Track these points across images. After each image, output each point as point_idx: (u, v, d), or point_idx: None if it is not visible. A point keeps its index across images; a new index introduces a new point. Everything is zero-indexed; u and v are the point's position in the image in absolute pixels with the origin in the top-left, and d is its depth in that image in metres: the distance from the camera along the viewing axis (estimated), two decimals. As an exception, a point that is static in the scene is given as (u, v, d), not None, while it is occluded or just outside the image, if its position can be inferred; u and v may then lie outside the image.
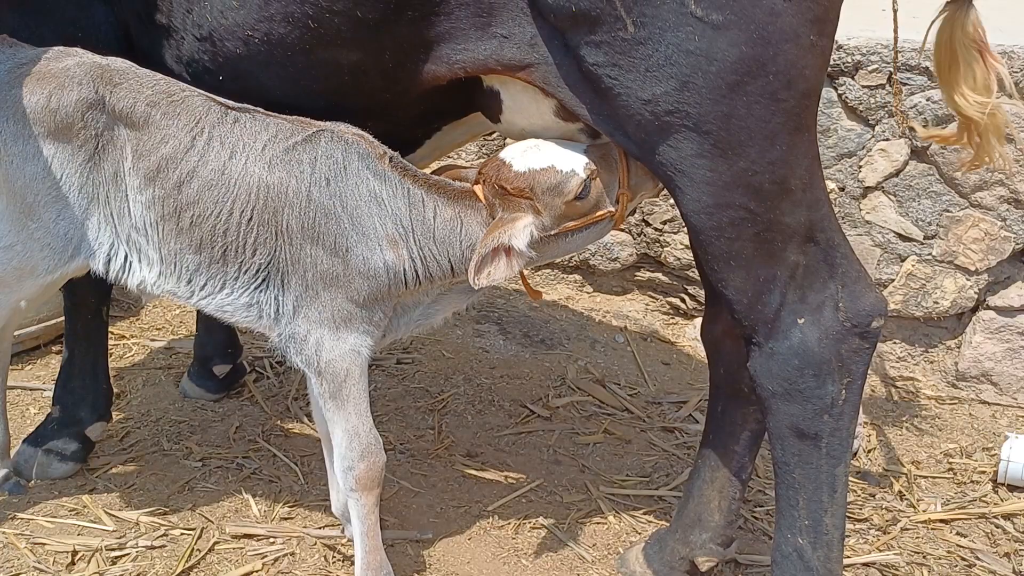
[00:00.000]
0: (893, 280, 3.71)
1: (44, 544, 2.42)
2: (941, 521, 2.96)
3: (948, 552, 2.80)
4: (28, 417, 3.13)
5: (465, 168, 2.34)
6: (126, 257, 2.19)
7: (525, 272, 2.33)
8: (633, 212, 3.83)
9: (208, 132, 2.10)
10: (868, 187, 3.66)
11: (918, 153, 3.58)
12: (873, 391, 3.81)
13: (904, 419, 3.64)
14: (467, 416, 3.37)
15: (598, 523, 2.79)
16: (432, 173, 2.28)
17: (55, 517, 2.55)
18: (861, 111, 3.58)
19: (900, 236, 3.67)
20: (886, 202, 3.65)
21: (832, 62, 3.53)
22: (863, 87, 3.55)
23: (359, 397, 2.15)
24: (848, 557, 2.71)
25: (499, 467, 3.04)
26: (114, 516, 2.56)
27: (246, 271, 2.14)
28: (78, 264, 2.19)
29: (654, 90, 1.84)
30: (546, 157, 2.09)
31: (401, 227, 2.12)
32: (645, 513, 2.86)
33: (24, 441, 2.77)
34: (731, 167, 1.88)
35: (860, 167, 3.64)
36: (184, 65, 2.25)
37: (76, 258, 2.18)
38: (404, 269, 2.13)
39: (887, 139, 3.58)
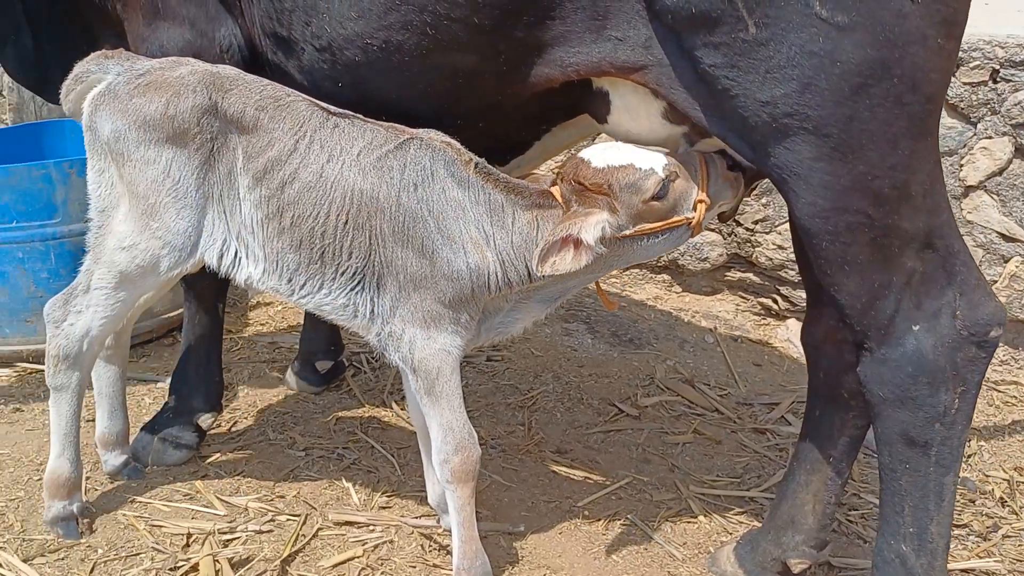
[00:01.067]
0: (996, 281, 3.61)
1: (161, 527, 2.56)
2: (1045, 529, 2.88)
3: (1053, 562, 2.72)
4: (144, 407, 3.32)
5: (546, 176, 2.37)
6: (236, 253, 2.30)
7: (601, 283, 2.36)
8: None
9: (309, 136, 2.20)
10: (970, 186, 3.57)
11: (1022, 151, 3.47)
12: (973, 395, 3.71)
13: (1007, 424, 3.53)
14: (556, 413, 3.42)
15: (688, 522, 2.80)
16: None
17: (171, 501, 2.69)
18: (962, 108, 3.50)
19: (1003, 236, 3.57)
20: (988, 201, 3.56)
21: (932, 58, 3.46)
22: (964, 84, 3.47)
23: (452, 393, 2.22)
24: (947, 563, 2.66)
25: (588, 464, 3.07)
26: (225, 501, 2.69)
27: (343, 273, 2.22)
28: (195, 260, 2.31)
29: (774, 92, 1.83)
30: (626, 155, 2.10)
31: (483, 232, 2.17)
32: (736, 514, 2.86)
33: (142, 429, 2.93)
34: (850, 171, 1.85)
35: (961, 166, 3.56)
36: (305, 74, 2.36)
37: (194, 255, 2.31)
38: (487, 273, 2.18)
39: (989, 137, 3.48)
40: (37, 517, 2.57)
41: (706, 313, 4.27)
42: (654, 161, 2.09)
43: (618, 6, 1.98)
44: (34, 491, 2.71)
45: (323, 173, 2.18)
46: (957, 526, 2.88)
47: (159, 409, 3.02)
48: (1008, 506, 3.00)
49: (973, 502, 3.03)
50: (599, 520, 2.76)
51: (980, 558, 2.71)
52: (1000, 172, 3.50)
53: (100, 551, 2.45)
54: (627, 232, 2.12)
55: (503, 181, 2.22)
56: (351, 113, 2.27)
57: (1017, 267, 3.57)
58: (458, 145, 2.24)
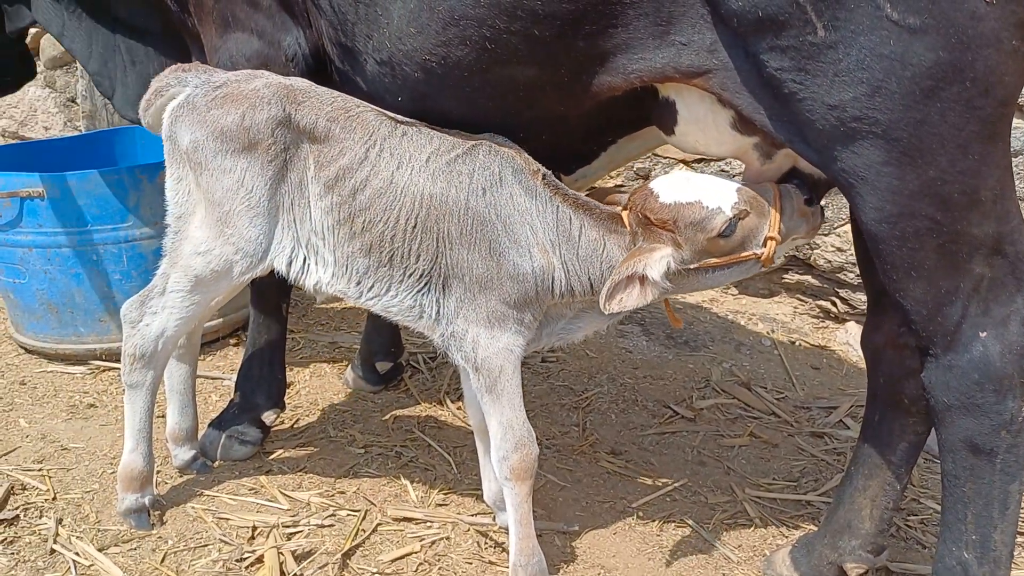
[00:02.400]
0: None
1: (228, 519, 2.65)
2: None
3: None
4: (211, 404, 3.43)
5: (622, 193, 2.39)
6: (304, 259, 2.37)
7: (669, 300, 2.37)
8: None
9: (379, 144, 2.26)
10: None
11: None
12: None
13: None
14: (611, 415, 3.44)
15: (743, 525, 2.79)
16: (587, 194, 2.35)
17: (236, 495, 2.78)
18: (1030, 107, 3.41)
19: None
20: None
21: None
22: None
23: (513, 392, 2.26)
24: (1012, 571, 2.62)
25: (643, 466, 3.08)
26: (288, 496, 2.78)
27: (410, 275, 2.28)
28: (266, 265, 2.39)
29: (842, 95, 1.81)
30: (694, 191, 2.11)
31: (549, 240, 2.21)
32: (792, 518, 2.84)
33: (209, 425, 3.04)
34: (919, 176, 1.82)
35: (1029, 168, 3.48)
36: (369, 85, 2.41)
37: (264, 260, 2.38)
38: (552, 277, 2.22)
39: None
40: (111, 509, 2.67)
41: (763, 316, 4.24)
42: (723, 199, 2.09)
43: (682, 11, 1.97)
44: (108, 484, 2.82)
45: (393, 179, 2.24)
46: (1021, 534, 2.83)
47: (225, 406, 3.12)
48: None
49: None
50: (653, 521, 2.77)
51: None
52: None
53: (170, 542, 2.54)
54: (692, 266, 2.14)
55: (572, 196, 2.26)
56: (418, 122, 2.33)
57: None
58: (526, 155, 2.28)
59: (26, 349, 3.81)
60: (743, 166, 2.34)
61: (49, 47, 5.31)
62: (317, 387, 3.61)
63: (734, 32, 1.93)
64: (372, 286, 2.33)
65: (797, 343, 4.06)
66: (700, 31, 1.98)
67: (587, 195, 2.32)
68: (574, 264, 2.23)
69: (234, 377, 3.37)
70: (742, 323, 4.20)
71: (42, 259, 3.49)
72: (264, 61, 2.58)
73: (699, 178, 2.18)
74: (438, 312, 2.30)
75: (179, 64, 2.47)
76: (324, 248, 2.34)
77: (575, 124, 2.36)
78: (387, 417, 3.35)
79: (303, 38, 2.57)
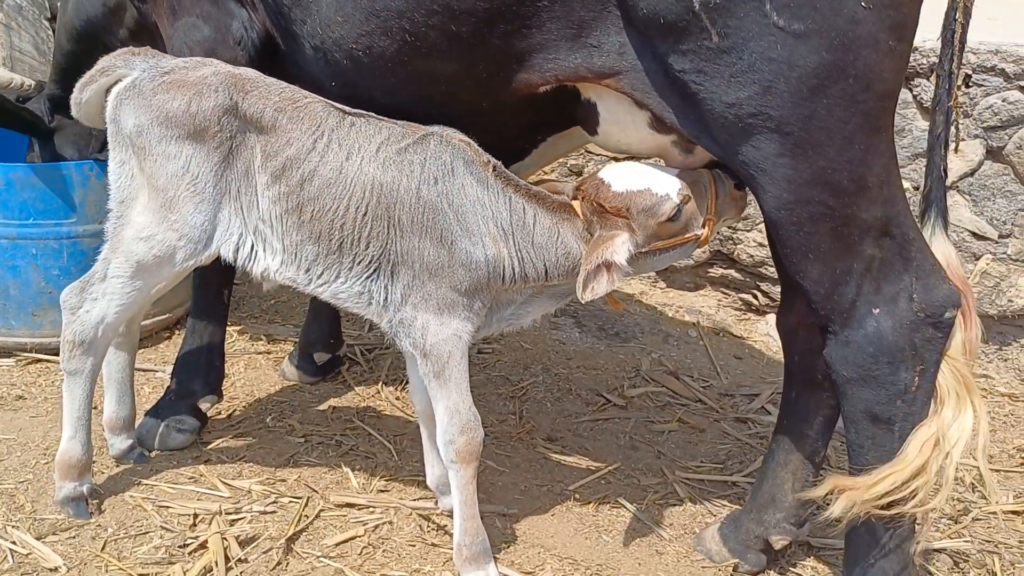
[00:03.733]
0: (967, 279, 3.76)
1: (168, 507, 2.65)
2: (1012, 512, 3.02)
3: (1020, 542, 2.86)
4: (143, 395, 3.38)
5: (560, 183, 2.49)
6: (252, 247, 2.39)
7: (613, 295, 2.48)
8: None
9: (328, 135, 2.30)
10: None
11: (993, 153, 3.63)
12: (945, 387, 3.86)
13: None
14: (546, 403, 3.54)
15: (674, 505, 2.92)
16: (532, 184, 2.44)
17: (176, 484, 2.78)
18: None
19: (974, 235, 3.72)
20: (961, 201, 3.71)
21: (909, 64, 3.60)
22: (938, 88, 3.61)
23: (460, 378, 2.32)
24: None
25: (578, 451, 3.19)
26: (228, 484, 2.78)
27: (360, 262, 2.33)
28: (211, 252, 2.39)
29: (738, 95, 1.95)
30: (643, 180, 2.23)
31: (502, 229, 2.29)
32: (719, 497, 2.98)
33: (146, 414, 3.02)
34: (811, 166, 1.97)
35: (935, 167, 3.70)
36: (307, 69, 2.47)
37: (209, 247, 2.39)
38: (503, 265, 2.29)
39: (963, 139, 3.63)
40: (47, 499, 2.65)
41: (689, 308, 4.40)
42: (669, 186, 2.23)
43: (593, 16, 2.09)
44: (42, 474, 2.79)
45: (342, 169, 2.28)
46: (931, 510, 3.03)
47: (162, 394, 3.11)
48: (978, 491, 3.14)
49: (944, 487, 3.17)
50: (589, 503, 2.88)
51: (951, 539, 2.85)
52: (972, 173, 3.66)
53: (110, 530, 2.53)
54: (643, 249, 2.26)
55: (523, 186, 2.34)
56: (366, 112, 2.37)
57: (987, 264, 3.73)
58: (476, 145, 2.35)
59: (-52, 341, 3.71)
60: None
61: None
62: (253, 378, 3.60)
63: (642, 36, 2.06)
64: (321, 273, 2.36)
65: (721, 334, 4.23)
66: (610, 35, 2.10)
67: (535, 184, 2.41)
68: (529, 252, 2.30)
69: (168, 369, 3.36)
70: (670, 315, 4.35)
71: (-23, 250, 3.41)
72: (213, 46, 2.61)
73: (644, 167, 2.30)
74: (386, 299, 2.35)
75: (129, 47, 2.46)
76: (272, 236, 2.37)
77: (506, 122, 2.45)
78: (326, 407, 3.38)
79: (250, 23, 2.60)
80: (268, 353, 3.83)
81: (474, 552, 2.35)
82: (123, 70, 2.39)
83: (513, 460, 3.09)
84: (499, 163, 2.36)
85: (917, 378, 2.10)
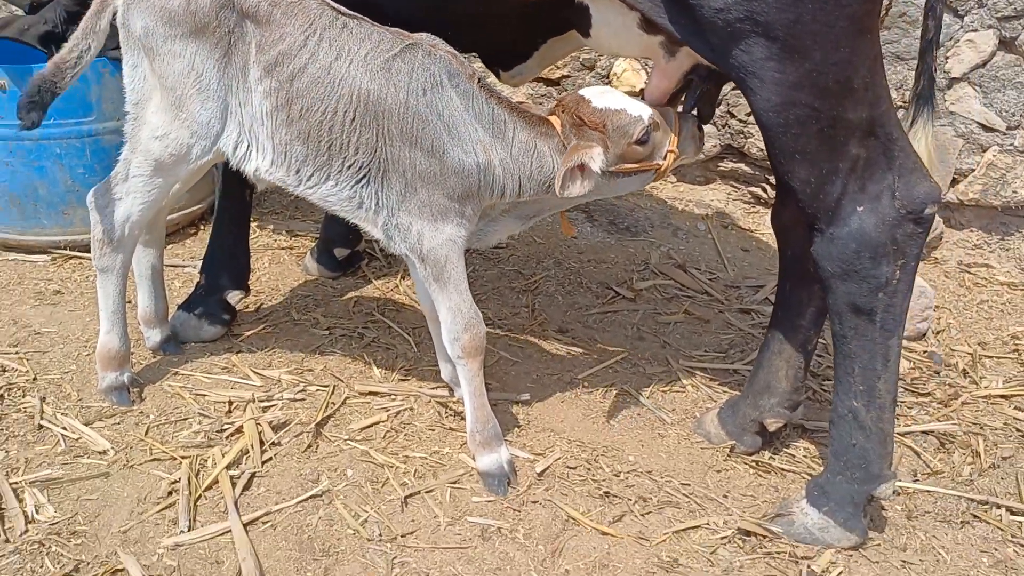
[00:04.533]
0: (973, 170, 3.81)
1: (204, 395, 2.85)
2: (1001, 396, 3.17)
3: (1004, 424, 3.02)
4: (174, 290, 3.56)
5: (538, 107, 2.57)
6: (248, 145, 2.47)
7: (566, 218, 2.63)
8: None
9: (319, 33, 2.34)
10: (954, 78, 3.73)
11: (1006, 44, 3.62)
12: (947, 276, 3.97)
13: (976, 303, 3.81)
14: (557, 296, 3.68)
15: (677, 391, 3.10)
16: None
17: (210, 373, 2.97)
18: (951, 2, 3.61)
19: (983, 127, 3.75)
20: (971, 93, 3.72)
21: (923, -47, 3.56)
22: (954, -23, 3.58)
23: (459, 279, 2.44)
24: (908, 426, 2.97)
25: (587, 342, 3.35)
26: (259, 374, 2.98)
27: (349, 167, 2.40)
28: (219, 149, 2.49)
29: (726, 1, 2.00)
30: (620, 101, 2.33)
31: (487, 139, 2.35)
32: (720, 384, 3.15)
33: (179, 307, 3.19)
34: (798, 69, 2.03)
35: (947, 58, 3.70)
36: None
37: (217, 143, 2.48)
38: (493, 172, 2.37)
39: (975, 30, 3.62)
40: (91, 388, 2.85)
41: (699, 202, 4.48)
42: (642, 111, 2.33)
43: None
44: (85, 365, 2.98)
45: (331, 69, 2.33)
46: (921, 394, 3.19)
47: (192, 289, 3.27)
48: (969, 376, 3.30)
49: (938, 373, 3.33)
50: (597, 390, 3.05)
51: (940, 422, 3.02)
52: (984, 64, 3.66)
53: (152, 416, 2.74)
54: (611, 168, 2.35)
55: (505, 100, 2.40)
56: (359, 16, 2.40)
57: (994, 156, 3.76)
58: (461, 57, 2.39)
59: (-14, 241, 3.87)
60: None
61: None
62: (277, 273, 3.76)
63: None
64: (311, 175, 2.44)
65: (729, 227, 4.32)
66: None
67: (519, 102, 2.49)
68: (507, 163, 2.37)
69: (195, 264, 3.52)
70: (680, 208, 4.44)
71: (3, 151, 3.52)
72: None
73: (619, 93, 2.38)
74: (377, 204, 2.43)
75: None
76: (263, 134, 2.43)
77: (506, 29, 2.51)
78: (347, 300, 3.54)
79: None
80: (291, 248, 3.98)
81: (486, 437, 2.53)
82: None
83: (526, 351, 3.26)
84: (483, 75, 2.41)
85: (898, 272, 2.20)
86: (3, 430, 2.64)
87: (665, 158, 2.42)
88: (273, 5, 2.35)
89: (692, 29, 2.13)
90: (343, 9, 2.40)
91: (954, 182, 3.87)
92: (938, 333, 3.58)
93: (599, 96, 2.37)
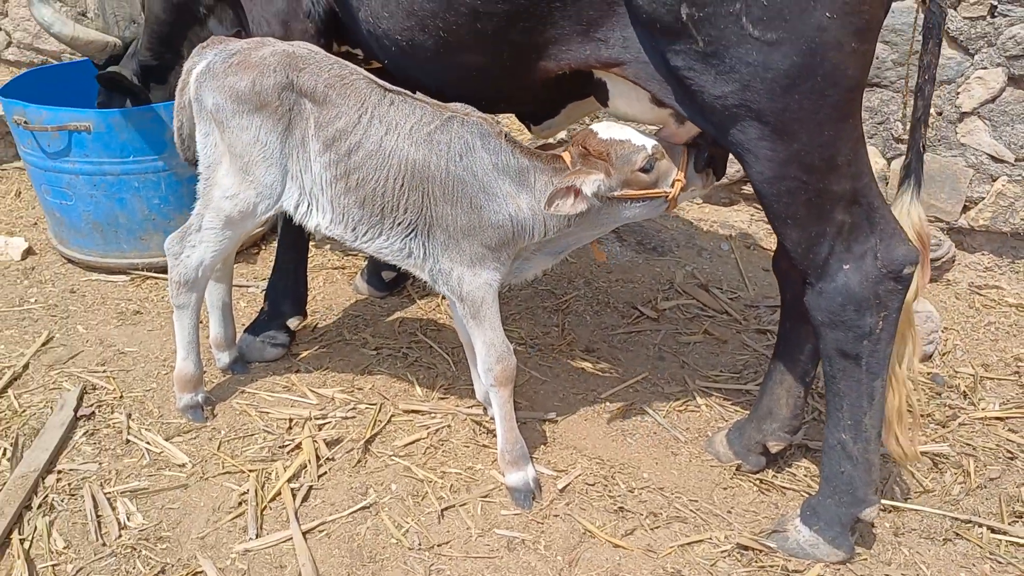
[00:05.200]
0: (983, 198, 4.01)
1: (268, 413, 3.22)
2: (996, 418, 3.39)
3: (996, 445, 3.24)
4: (240, 309, 3.95)
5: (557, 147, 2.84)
6: (308, 205, 2.81)
7: (597, 245, 2.93)
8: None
9: (371, 112, 2.67)
10: (964, 112, 3.92)
11: (1015, 80, 3.80)
12: (958, 298, 4.18)
13: (983, 325, 4.01)
14: (586, 316, 3.99)
15: (692, 411, 3.38)
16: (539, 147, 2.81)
17: (273, 392, 3.35)
18: (961, 41, 3.81)
19: (992, 158, 3.94)
20: (981, 126, 3.91)
21: (935, -6, 3.76)
22: (965, 18, 3.76)
23: (493, 317, 2.76)
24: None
25: (612, 361, 3.65)
26: (315, 392, 3.34)
27: (399, 224, 2.73)
28: (280, 207, 2.84)
29: (723, 89, 2.25)
30: (626, 133, 2.58)
31: (514, 188, 2.65)
32: (733, 404, 3.43)
33: (245, 331, 3.58)
34: (787, 148, 2.28)
35: (958, 93, 3.90)
36: (365, 46, 2.86)
37: (279, 202, 2.83)
38: (523, 219, 2.66)
39: (985, 67, 3.80)
40: (170, 404, 3.24)
41: (723, 223, 4.73)
42: (646, 142, 2.58)
43: (600, 15, 2.39)
44: (164, 383, 3.38)
45: (382, 144, 2.66)
46: (921, 415, 3.43)
47: (257, 314, 3.66)
48: (969, 399, 3.52)
49: (939, 395, 3.55)
50: (618, 409, 3.35)
51: (935, 443, 3.26)
52: (993, 100, 3.84)
53: (223, 432, 3.12)
54: (616, 193, 2.61)
55: (525, 148, 2.69)
56: (403, 91, 2.73)
57: (1003, 185, 3.95)
58: (491, 119, 2.70)
59: (71, 261, 4.30)
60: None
61: (56, -36, 5.53)
62: (331, 293, 4.13)
63: (642, 35, 2.36)
64: (366, 232, 2.77)
65: (752, 247, 4.56)
66: (615, 31, 2.40)
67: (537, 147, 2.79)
68: (533, 206, 2.66)
69: (259, 284, 3.91)
70: (704, 229, 4.69)
71: (88, 184, 3.94)
72: (286, 18, 3.01)
73: (629, 127, 2.64)
74: (424, 253, 2.76)
75: (202, 43, 2.87)
76: (323, 198, 2.77)
77: (531, 97, 2.81)
78: (394, 320, 3.89)
79: (322, 2, 2.96)
80: (343, 268, 4.35)
81: (515, 456, 2.86)
82: (198, 58, 2.79)
83: (554, 370, 3.58)
84: (507, 130, 2.70)
85: (881, 322, 2.46)
86: (97, 444, 3.05)
87: (672, 186, 2.65)
88: (328, 86, 2.68)
89: (695, 109, 2.40)
90: (388, 85, 2.72)
91: (965, 208, 4.07)
92: (944, 354, 3.80)
93: (606, 129, 2.63)
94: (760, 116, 2.25)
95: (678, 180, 2.63)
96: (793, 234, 2.43)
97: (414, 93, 2.76)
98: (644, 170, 2.59)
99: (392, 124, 2.67)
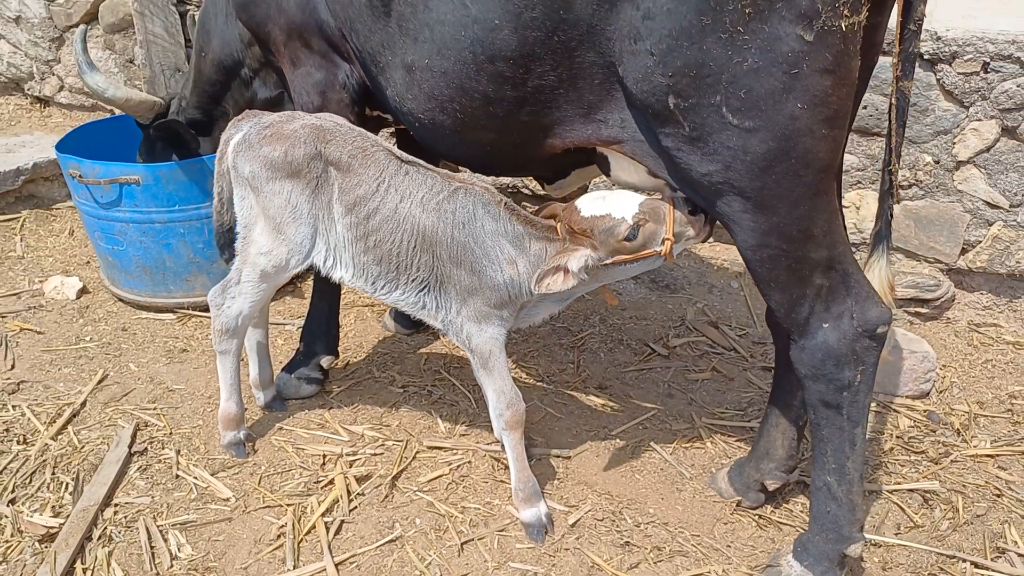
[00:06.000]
0: (980, 242, 4.19)
1: (304, 449, 3.51)
2: (987, 456, 3.57)
3: (986, 482, 3.43)
4: (277, 347, 4.25)
5: (560, 204, 3.08)
6: (334, 261, 3.10)
7: (608, 291, 3.14)
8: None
9: (388, 181, 2.95)
10: (960, 161, 4.11)
11: (1008, 131, 3.98)
12: (957, 336, 4.36)
13: (981, 362, 4.19)
14: (600, 353, 4.23)
15: (698, 448, 3.61)
16: (540, 211, 3.07)
17: (308, 429, 3.63)
18: (957, 95, 4.00)
19: (988, 204, 4.13)
20: (977, 174, 4.10)
21: (931, 51, 3.97)
22: (959, 74, 3.96)
23: (501, 367, 3.02)
24: (898, 484, 3.43)
25: (623, 398, 3.89)
26: (347, 429, 3.62)
27: (412, 280, 3.01)
28: (309, 262, 3.13)
29: (708, 168, 2.48)
30: (606, 207, 2.80)
31: (512, 254, 2.91)
32: (737, 440, 3.65)
33: (282, 370, 3.87)
34: (768, 220, 2.50)
35: (954, 143, 4.09)
36: (392, 116, 3.16)
37: (308, 258, 3.12)
38: (519, 283, 2.92)
39: (979, 119, 4.00)
40: (215, 441, 3.54)
41: (733, 261, 4.94)
42: (627, 212, 2.78)
43: (599, 100, 2.64)
44: (209, 419, 3.68)
45: (397, 210, 2.94)
46: (915, 452, 3.62)
47: (293, 354, 3.95)
48: (962, 436, 3.70)
49: (934, 431, 3.74)
50: (628, 445, 3.58)
51: (927, 480, 3.45)
52: (987, 149, 4.03)
53: (263, 467, 3.41)
54: (607, 262, 2.85)
55: (523, 216, 2.95)
56: (418, 160, 3.02)
57: (999, 230, 4.14)
58: (493, 189, 2.98)
59: (121, 300, 4.63)
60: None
61: (107, 14, 5.89)
62: (361, 330, 4.42)
63: (637, 117, 2.61)
64: (384, 286, 3.06)
65: (761, 285, 4.77)
66: (613, 113, 2.65)
67: (534, 211, 3.04)
68: (528, 270, 2.91)
69: (294, 322, 4.20)
70: (715, 267, 4.91)
71: (138, 232, 4.26)
72: (324, 88, 3.31)
73: (612, 195, 2.85)
74: (436, 306, 3.04)
75: (237, 116, 3.18)
76: (346, 255, 3.06)
77: (540, 166, 3.10)
78: (419, 357, 4.16)
79: (351, 72, 3.28)
80: (373, 306, 4.63)
81: (527, 494, 3.12)
82: (234, 130, 3.10)
83: (568, 407, 3.82)
84: (510, 200, 2.97)
85: (859, 375, 2.67)
86: (149, 478, 3.35)
87: (663, 244, 2.85)
88: (352, 157, 2.97)
89: (685, 183, 2.65)
90: (405, 156, 3.01)
91: (964, 251, 4.25)
92: (942, 392, 3.98)
93: (588, 204, 2.85)
94: (742, 192, 2.48)
95: (667, 239, 2.81)
96: (777, 296, 2.66)
97: (435, 162, 3.04)
98: (628, 239, 2.80)
99: (406, 192, 2.95)
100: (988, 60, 3.86)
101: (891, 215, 2.70)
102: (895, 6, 2.40)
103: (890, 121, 2.55)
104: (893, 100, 2.52)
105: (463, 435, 3.63)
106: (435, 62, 2.76)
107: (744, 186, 2.46)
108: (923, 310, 4.43)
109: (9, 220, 5.49)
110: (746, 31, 2.20)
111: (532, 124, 2.78)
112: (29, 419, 3.65)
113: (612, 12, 2.41)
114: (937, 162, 4.14)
